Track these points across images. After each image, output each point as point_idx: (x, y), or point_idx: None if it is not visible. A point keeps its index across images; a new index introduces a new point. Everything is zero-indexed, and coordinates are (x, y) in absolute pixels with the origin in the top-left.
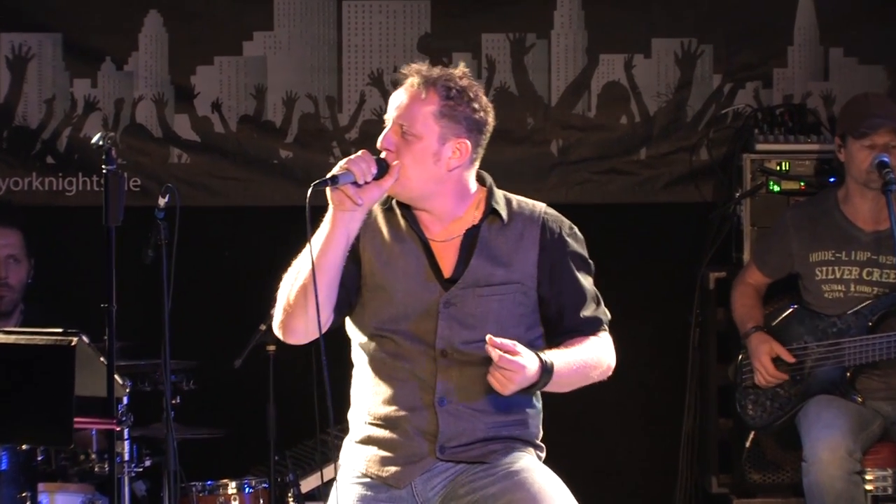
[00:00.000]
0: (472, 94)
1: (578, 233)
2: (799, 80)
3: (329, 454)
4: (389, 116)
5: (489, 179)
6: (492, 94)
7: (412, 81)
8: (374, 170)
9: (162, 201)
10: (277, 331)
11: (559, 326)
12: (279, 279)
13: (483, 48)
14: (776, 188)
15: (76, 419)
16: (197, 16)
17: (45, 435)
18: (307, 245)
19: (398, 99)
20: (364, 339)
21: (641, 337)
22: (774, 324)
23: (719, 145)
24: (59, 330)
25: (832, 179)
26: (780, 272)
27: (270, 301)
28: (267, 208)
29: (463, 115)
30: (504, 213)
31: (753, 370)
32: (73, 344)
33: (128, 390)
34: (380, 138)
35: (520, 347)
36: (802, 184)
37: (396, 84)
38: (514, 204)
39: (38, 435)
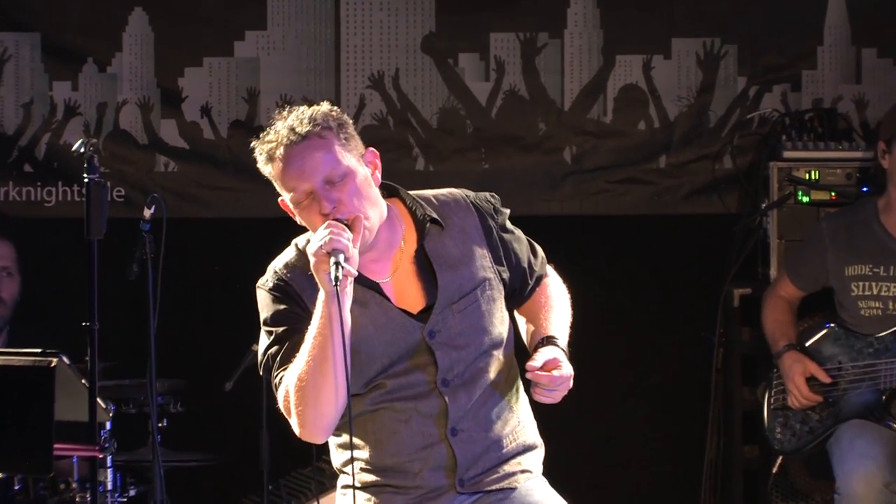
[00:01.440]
0: (334, 115)
1: (492, 196)
2: (829, 82)
3: (326, 483)
4: (306, 188)
5: (395, 186)
6: (501, 97)
7: (299, 140)
8: (350, 235)
9: (147, 213)
10: (304, 437)
11: (521, 293)
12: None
13: (491, 48)
14: (805, 199)
15: (56, 445)
16: (185, 14)
17: (23, 462)
18: (314, 339)
19: (296, 161)
20: (358, 390)
21: (661, 359)
22: (808, 344)
23: (744, 153)
24: (38, 350)
25: (865, 189)
26: (814, 285)
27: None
28: (259, 220)
29: (351, 130)
30: (437, 217)
31: (786, 391)
32: (52, 365)
33: (111, 414)
34: (327, 209)
35: (550, 353)
36: (833, 194)
37: (266, 158)
38: (434, 202)
39: (15, 462)
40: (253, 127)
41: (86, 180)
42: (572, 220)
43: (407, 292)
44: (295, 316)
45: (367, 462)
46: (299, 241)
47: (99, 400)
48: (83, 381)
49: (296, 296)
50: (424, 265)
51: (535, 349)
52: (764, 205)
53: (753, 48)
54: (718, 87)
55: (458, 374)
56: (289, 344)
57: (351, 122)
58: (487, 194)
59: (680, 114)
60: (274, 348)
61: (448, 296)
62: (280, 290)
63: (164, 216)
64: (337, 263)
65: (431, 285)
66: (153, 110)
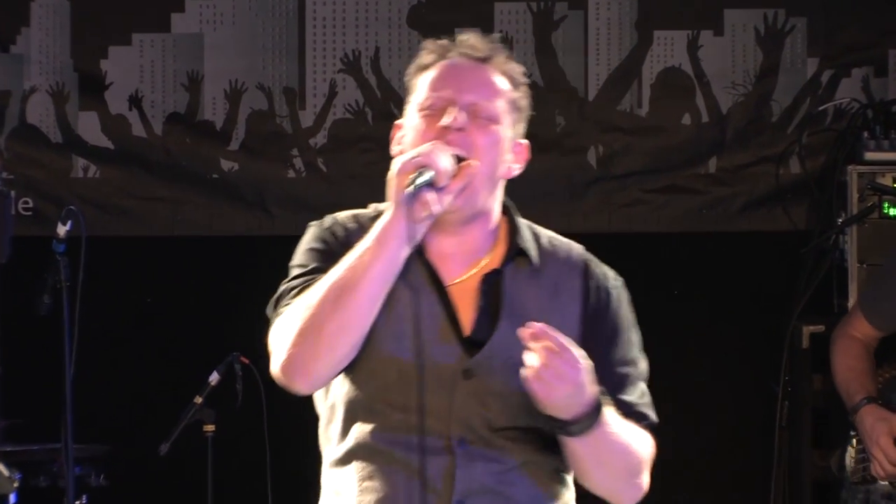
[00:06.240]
0: (524, 80)
1: (618, 277)
2: None
3: None
4: (449, 94)
5: (510, 204)
6: None
7: (481, 58)
8: (454, 166)
9: (62, 229)
10: (282, 375)
11: None
12: (225, 333)
13: (496, 22)
14: (892, 211)
15: None
16: None
17: None
18: (348, 257)
19: (461, 71)
20: (342, 415)
21: (712, 414)
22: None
23: (815, 154)
24: None
25: None
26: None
27: (208, 365)
28: (203, 239)
29: (527, 109)
30: (534, 254)
31: (868, 457)
32: None
33: (16, 485)
34: (455, 122)
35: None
36: None
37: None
38: (545, 241)
39: None
40: (195, 121)
41: None
42: (598, 238)
43: (462, 311)
44: (332, 260)
45: None
46: (380, 206)
47: (1, 467)
48: None
49: (346, 245)
50: (492, 295)
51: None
52: (840, 220)
53: (827, 21)
54: (783, 72)
55: (483, 438)
56: (313, 281)
57: (530, 109)
58: (612, 271)
59: (734, 105)
60: (294, 282)
61: (505, 343)
62: (332, 233)
63: (84, 234)
64: (422, 174)
65: (487, 321)
66: (69, 100)
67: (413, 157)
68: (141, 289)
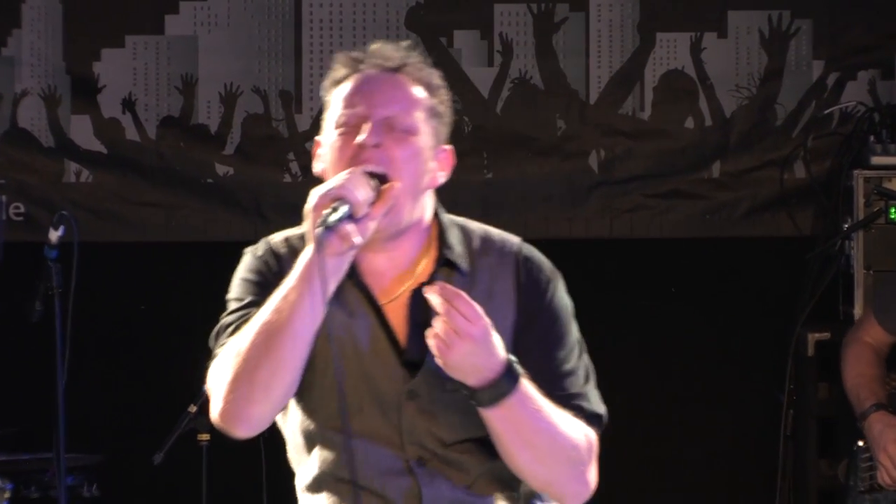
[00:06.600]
0: (443, 84)
1: (563, 282)
2: None
3: None
4: (362, 111)
5: (437, 205)
6: (508, 86)
7: (392, 68)
8: (372, 194)
9: (54, 235)
10: (220, 422)
11: None
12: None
13: (496, 24)
14: None
15: None
16: None
17: None
18: (272, 301)
19: (374, 85)
20: (302, 443)
21: (715, 423)
22: None
23: (821, 158)
24: None
25: None
26: None
27: (202, 374)
28: (199, 245)
29: (447, 114)
30: (463, 263)
31: (875, 465)
32: None
33: (7, 496)
34: (369, 140)
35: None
36: None
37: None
38: (477, 241)
39: None
40: (189, 125)
41: None
42: (600, 244)
43: (395, 328)
44: (267, 292)
45: None
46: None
47: None
48: None
49: (280, 274)
50: (423, 310)
51: None
52: (846, 225)
53: (833, 23)
54: (788, 74)
55: (438, 455)
56: (248, 316)
57: (450, 113)
58: (549, 263)
59: (738, 108)
60: (230, 317)
61: (438, 367)
62: (265, 263)
63: (76, 240)
64: (336, 210)
65: (423, 338)
66: (61, 104)
67: (328, 191)
68: (134, 295)
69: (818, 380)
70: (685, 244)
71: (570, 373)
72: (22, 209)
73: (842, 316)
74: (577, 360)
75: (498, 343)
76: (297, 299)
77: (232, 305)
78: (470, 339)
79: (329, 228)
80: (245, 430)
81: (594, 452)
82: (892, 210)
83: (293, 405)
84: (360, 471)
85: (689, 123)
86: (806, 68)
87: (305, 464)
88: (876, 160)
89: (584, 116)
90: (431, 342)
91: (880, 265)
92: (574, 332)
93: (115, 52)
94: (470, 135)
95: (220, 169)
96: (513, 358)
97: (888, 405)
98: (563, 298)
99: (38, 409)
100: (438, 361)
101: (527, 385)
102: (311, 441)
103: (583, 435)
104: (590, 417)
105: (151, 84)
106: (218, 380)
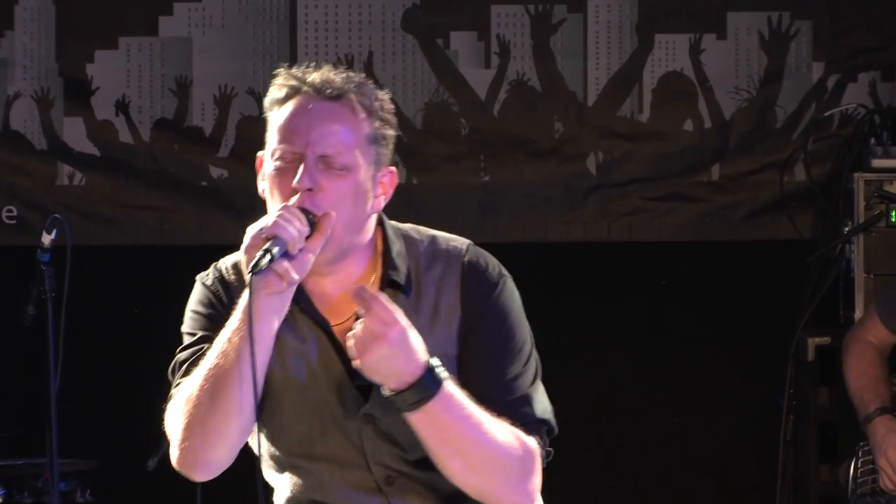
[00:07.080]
0: (387, 105)
1: (511, 283)
2: None
3: None
4: (299, 149)
5: (383, 218)
6: (505, 88)
7: (330, 96)
8: (306, 229)
9: (47, 238)
10: (179, 468)
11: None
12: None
13: (493, 25)
14: None
15: None
16: None
17: None
18: (215, 349)
19: (312, 117)
20: (272, 465)
21: (715, 428)
22: None
23: (821, 161)
24: None
25: None
26: None
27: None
28: (193, 248)
29: (390, 136)
30: (408, 283)
31: (876, 469)
32: None
33: (0, 501)
34: (303, 183)
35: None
36: None
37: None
38: (423, 253)
39: None
40: (183, 127)
41: None
42: (598, 247)
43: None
44: (218, 325)
45: None
46: None
47: None
48: None
49: (228, 304)
50: None
51: None
52: (847, 228)
53: (833, 24)
54: (788, 76)
55: (406, 475)
56: (201, 352)
57: (395, 132)
58: (497, 266)
59: (738, 110)
60: (184, 354)
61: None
62: (213, 292)
63: (69, 243)
64: (269, 251)
65: None
66: (54, 106)
67: (259, 230)
68: (128, 299)
69: (818, 384)
70: (684, 247)
71: (517, 377)
72: (14, 212)
73: (842, 320)
74: (525, 363)
75: (418, 347)
76: (241, 341)
77: (186, 339)
78: (385, 342)
79: (260, 273)
80: (205, 474)
81: (535, 462)
82: (893, 213)
83: (257, 432)
84: (332, 493)
85: (688, 126)
86: (806, 70)
87: (279, 485)
88: (877, 163)
89: (583, 119)
90: (350, 342)
91: (881, 269)
92: (522, 334)
93: (108, 53)
94: (467, 137)
95: (215, 171)
96: (435, 362)
97: (893, 409)
98: (507, 301)
99: (30, 413)
100: (355, 363)
101: (453, 390)
102: (280, 465)
103: (519, 444)
104: (534, 424)
105: (145, 86)
106: (173, 427)
